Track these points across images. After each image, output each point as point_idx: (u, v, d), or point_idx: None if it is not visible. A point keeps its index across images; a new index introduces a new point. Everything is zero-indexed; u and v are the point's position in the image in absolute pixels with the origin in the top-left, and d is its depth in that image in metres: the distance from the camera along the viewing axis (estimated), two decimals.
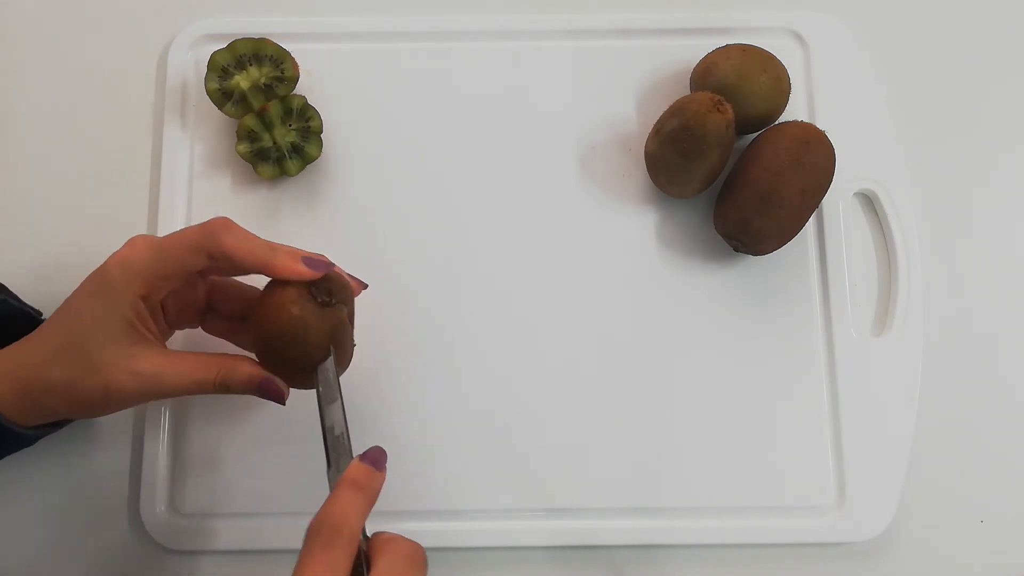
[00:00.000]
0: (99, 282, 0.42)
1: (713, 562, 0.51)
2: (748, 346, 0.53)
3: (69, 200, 0.55)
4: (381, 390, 0.52)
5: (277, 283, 0.42)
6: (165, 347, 0.45)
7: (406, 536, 0.39)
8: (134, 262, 0.42)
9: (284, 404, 0.43)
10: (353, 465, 0.39)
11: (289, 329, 0.41)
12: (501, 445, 0.51)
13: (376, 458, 0.40)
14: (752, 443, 0.52)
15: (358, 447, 0.41)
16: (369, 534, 0.39)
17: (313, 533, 0.36)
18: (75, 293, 0.43)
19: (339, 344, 0.43)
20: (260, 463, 0.51)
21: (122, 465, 0.52)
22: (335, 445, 0.40)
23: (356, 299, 0.46)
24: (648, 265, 0.54)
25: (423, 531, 0.50)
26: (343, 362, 0.44)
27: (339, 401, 0.41)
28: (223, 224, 0.42)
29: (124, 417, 0.52)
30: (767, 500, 0.51)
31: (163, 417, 0.52)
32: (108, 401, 0.42)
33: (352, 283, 0.46)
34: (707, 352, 0.53)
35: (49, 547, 0.51)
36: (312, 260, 0.42)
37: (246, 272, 0.43)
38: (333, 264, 0.44)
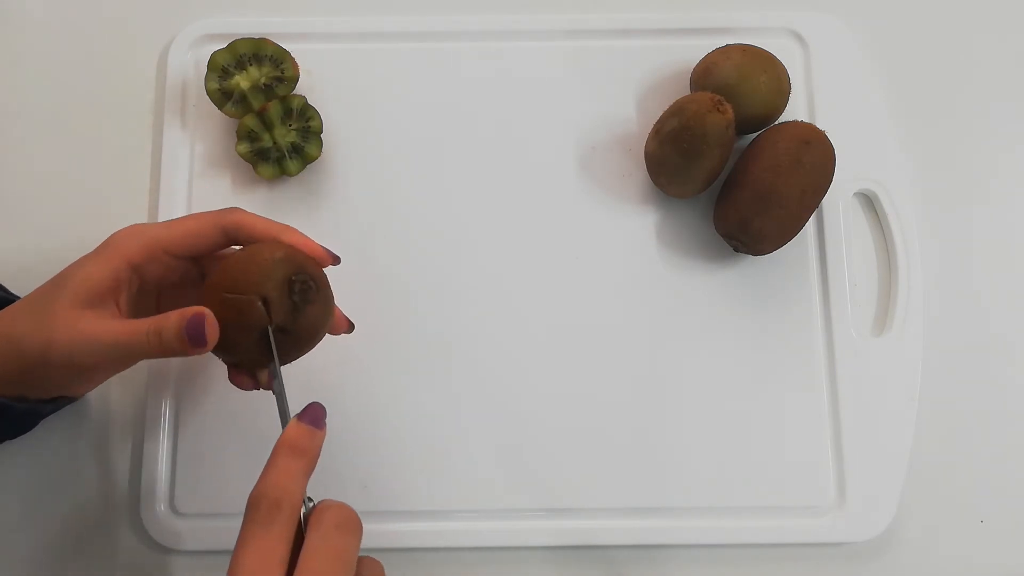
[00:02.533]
0: (103, 244, 0.43)
1: (713, 562, 0.51)
2: (748, 346, 0.53)
3: (69, 200, 0.55)
4: (381, 390, 0.52)
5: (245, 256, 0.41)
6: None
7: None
8: (144, 230, 0.43)
9: (205, 347, 0.39)
10: (291, 426, 0.38)
11: (247, 273, 0.40)
12: (501, 445, 0.51)
13: (315, 415, 0.38)
14: (752, 443, 0.52)
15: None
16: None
17: (252, 509, 0.35)
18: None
19: (301, 339, 0.42)
20: (260, 463, 0.50)
21: (122, 465, 0.52)
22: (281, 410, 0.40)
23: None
24: (648, 265, 0.54)
25: (423, 531, 0.50)
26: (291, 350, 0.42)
27: (275, 368, 0.40)
28: (237, 208, 0.44)
29: (124, 417, 0.52)
30: (767, 500, 0.51)
31: (163, 417, 0.52)
32: (48, 359, 0.40)
33: (340, 319, 0.46)
34: (707, 352, 0.53)
35: (49, 547, 0.51)
36: (327, 249, 0.44)
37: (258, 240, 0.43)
38: (339, 260, 0.44)
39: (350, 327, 0.47)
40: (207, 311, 0.39)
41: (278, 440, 0.37)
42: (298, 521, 0.36)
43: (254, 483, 0.36)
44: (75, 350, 0.40)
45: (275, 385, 0.40)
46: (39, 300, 0.42)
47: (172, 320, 0.39)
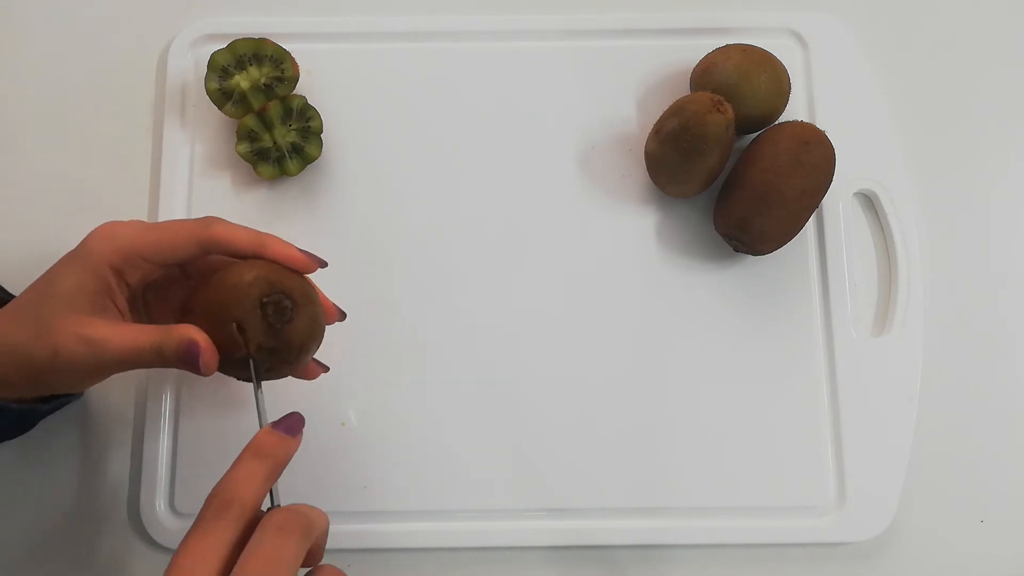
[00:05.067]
0: (79, 248, 0.42)
1: (713, 562, 0.51)
2: (748, 346, 0.53)
3: (69, 200, 0.56)
4: (381, 390, 0.52)
5: (223, 275, 0.41)
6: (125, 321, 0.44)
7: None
8: (119, 234, 0.42)
9: (202, 374, 0.40)
10: (261, 432, 0.38)
11: (222, 298, 0.40)
12: (501, 445, 0.51)
13: (291, 425, 0.38)
14: (752, 443, 0.52)
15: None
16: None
17: (204, 508, 0.35)
18: (60, 259, 0.43)
19: (309, 345, 0.42)
20: None
21: (122, 465, 0.52)
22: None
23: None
24: (648, 265, 0.54)
25: (423, 531, 0.50)
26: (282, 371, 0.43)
27: (256, 391, 0.41)
28: (215, 218, 0.42)
29: (124, 417, 0.52)
30: (767, 500, 0.51)
31: (163, 417, 0.52)
32: (55, 366, 0.40)
33: (331, 309, 0.45)
34: (707, 352, 0.53)
35: (49, 547, 0.51)
36: (306, 252, 0.42)
37: (238, 254, 0.42)
38: (326, 264, 0.43)
39: (342, 316, 0.47)
40: (202, 342, 0.39)
41: (248, 443, 0.37)
42: (251, 522, 0.36)
43: None
44: (81, 359, 0.40)
45: (257, 397, 0.40)
46: (33, 309, 0.41)
47: (174, 335, 0.40)
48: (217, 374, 0.52)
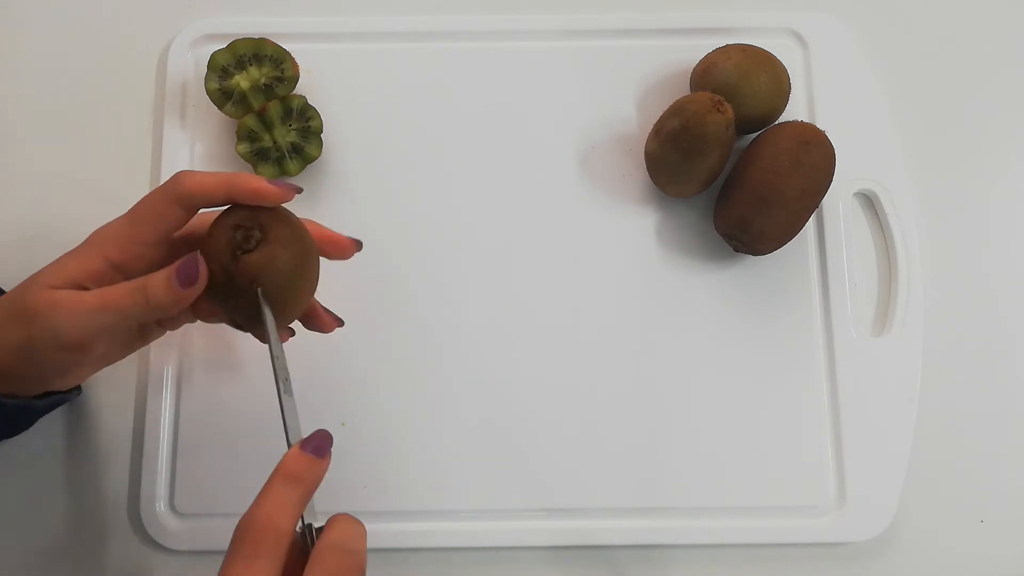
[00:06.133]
0: (81, 244, 0.42)
1: (713, 562, 0.51)
2: (748, 346, 0.53)
3: (69, 200, 0.55)
4: (382, 390, 0.52)
5: (211, 228, 0.41)
6: None
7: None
8: (108, 228, 0.42)
9: (196, 283, 0.39)
10: (290, 455, 0.37)
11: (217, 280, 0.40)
12: (501, 445, 0.51)
13: (319, 445, 0.37)
14: (752, 443, 0.52)
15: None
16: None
17: (237, 540, 0.34)
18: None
19: (268, 284, 0.40)
20: (260, 463, 0.51)
21: (122, 465, 0.52)
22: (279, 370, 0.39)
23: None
24: (648, 265, 0.54)
25: (423, 531, 0.50)
26: (283, 299, 0.41)
27: (270, 343, 0.40)
28: (183, 172, 0.41)
29: (124, 417, 0.52)
30: (767, 500, 0.51)
31: (163, 417, 0.52)
32: (32, 338, 0.39)
33: (343, 240, 0.44)
34: (707, 352, 0.53)
35: (49, 547, 0.51)
36: (276, 181, 0.41)
37: (217, 204, 0.41)
38: (301, 190, 0.42)
39: (339, 322, 0.46)
40: (195, 259, 0.39)
41: (277, 466, 0.36)
42: (288, 550, 0.35)
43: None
44: (58, 322, 0.39)
45: (272, 349, 0.39)
46: (11, 294, 0.41)
47: (160, 273, 0.39)
48: (218, 372, 0.52)
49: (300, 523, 0.37)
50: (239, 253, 0.39)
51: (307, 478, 0.36)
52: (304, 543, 0.37)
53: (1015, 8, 0.60)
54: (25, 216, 0.55)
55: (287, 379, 0.40)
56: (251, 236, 0.40)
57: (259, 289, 0.39)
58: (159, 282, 0.39)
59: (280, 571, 0.34)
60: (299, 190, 0.41)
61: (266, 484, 0.36)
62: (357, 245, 0.45)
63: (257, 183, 0.40)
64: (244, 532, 0.34)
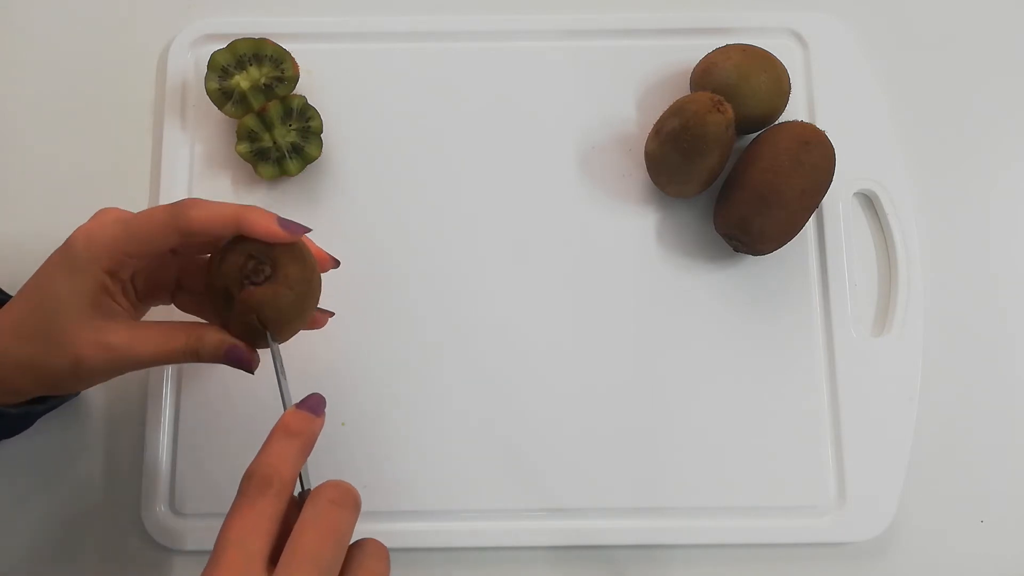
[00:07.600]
0: (65, 255, 0.41)
1: (713, 562, 0.51)
2: (748, 346, 0.53)
3: (69, 200, 0.55)
4: (382, 389, 0.52)
5: (218, 252, 0.41)
6: (134, 320, 0.44)
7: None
8: (99, 236, 0.41)
9: (252, 372, 0.42)
10: (288, 413, 0.39)
11: (219, 303, 0.41)
12: (502, 445, 0.51)
13: (314, 405, 0.39)
14: (752, 443, 0.52)
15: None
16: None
17: (244, 484, 0.36)
18: (41, 268, 0.42)
19: (266, 319, 0.41)
20: None
21: (122, 465, 0.52)
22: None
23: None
24: (648, 265, 0.54)
25: (423, 531, 0.50)
26: (277, 330, 0.42)
27: (277, 375, 0.41)
28: (192, 202, 0.41)
29: (124, 417, 0.52)
30: (767, 500, 0.51)
31: (163, 417, 0.52)
32: (78, 376, 0.41)
33: (324, 257, 0.45)
34: (707, 352, 0.53)
35: (49, 547, 0.51)
36: (286, 222, 0.41)
37: (221, 239, 0.41)
38: (310, 230, 0.42)
39: (329, 314, 0.47)
40: (242, 346, 0.41)
41: (275, 424, 0.38)
42: (289, 500, 0.37)
43: None
44: (104, 365, 0.41)
45: (275, 363, 0.41)
46: (38, 320, 0.40)
47: (210, 340, 0.41)
48: (218, 372, 0.52)
49: (299, 486, 0.38)
50: (246, 282, 0.40)
51: (304, 432, 0.38)
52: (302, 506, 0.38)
53: (1015, 8, 0.60)
54: (25, 216, 0.55)
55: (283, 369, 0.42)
56: (261, 270, 0.40)
57: (255, 316, 0.40)
58: (212, 348, 0.41)
59: (282, 514, 0.36)
60: (307, 230, 0.42)
61: (267, 439, 0.38)
62: (335, 263, 0.46)
63: (267, 224, 0.40)
64: (249, 479, 0.36)
